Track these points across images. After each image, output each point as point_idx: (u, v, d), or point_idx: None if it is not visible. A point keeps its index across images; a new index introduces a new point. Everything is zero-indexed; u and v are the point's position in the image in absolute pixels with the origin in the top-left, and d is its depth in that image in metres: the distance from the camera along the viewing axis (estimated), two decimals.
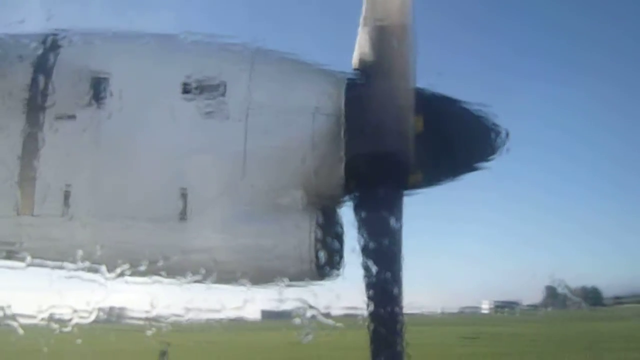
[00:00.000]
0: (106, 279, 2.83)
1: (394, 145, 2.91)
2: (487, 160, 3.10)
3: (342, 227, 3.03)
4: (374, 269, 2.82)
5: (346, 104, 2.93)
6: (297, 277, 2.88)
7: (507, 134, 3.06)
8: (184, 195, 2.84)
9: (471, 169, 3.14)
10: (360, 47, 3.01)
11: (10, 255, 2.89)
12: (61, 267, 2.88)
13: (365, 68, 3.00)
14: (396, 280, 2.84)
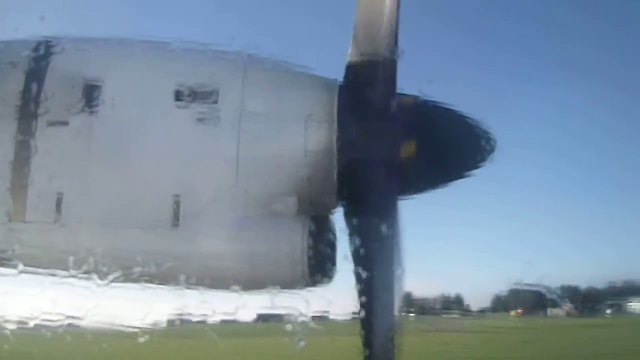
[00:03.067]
0: (99, 285, 2.82)
1: (386, 152, 2.93)
2: (477, 167, 3.13)
3: (334, 234, 3.04)
4: (367, 275, 2.82)
5: (339, 111, 2.95)
6: (289, 284, 2.89)
7: (496, 141, 3.09)
8: (176, 202, 2.84)
9: (463, 175, 3.16)
10: (352, 54, 3.03)
11: (2, 262, 2.88)
12: (54, 274, 2.88)
13: (357, 75, 3.02)
14: (390, 286, 2.85)
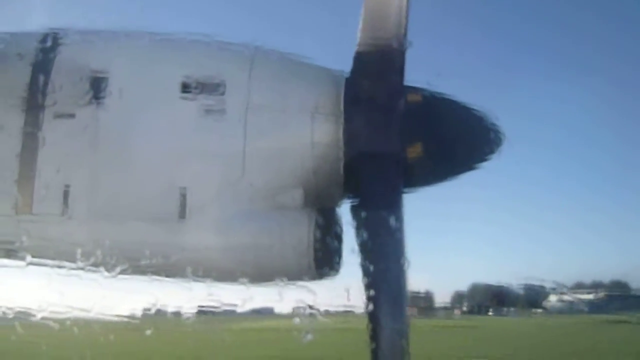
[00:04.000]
0: (105, 278, 2.83)
1: (393, 145, 2.92)
2: (485, 160, 3.11)
3: (341, 227, 3.04)
4: (374, 269, 2.82)
5: (345, 104, 2.93)
6: (295, 276, 2.88)
7: (505, 134, 3.08)
8: (183, 195, 2.84)
9: (470, 168, 3.15)
10: (360, 45, 3.01)
11: (9, 254, 2.90)
12: (61, 266, 2.89)
13: (364, 67, 3.00)
14: (398, 280, 2.84)
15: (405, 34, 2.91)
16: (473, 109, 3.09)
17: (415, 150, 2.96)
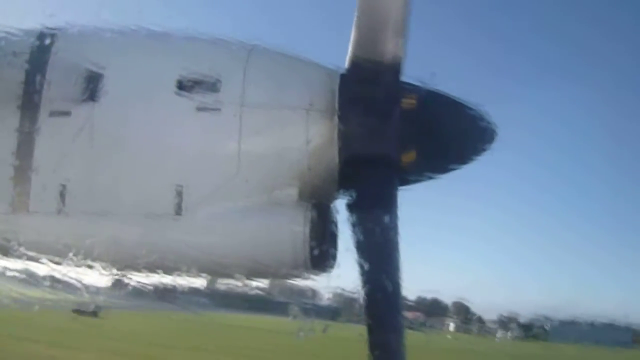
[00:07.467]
0: (102, 275, 2.85)
1: (387, 141, 2.93)
2: (478, 156, 3.12)
3: (336, 223, 3.04)
4: (369, 266, 2.83)
5: (340, 100, 2.94)
6: (291, 272, 2.90)
7: (497, 130, 3.08)
8: (179, 192, 2.85)
9: (463, 163, 3.15)
10: (355, 41, 3.00)
11: (6, 252, 2.90)
12: (57, 264, 2.90)
13: (359, 64, 3.00)
14: (393, 276, 2.86)
15: (403, 30, 2.88)
16: (467, 106, 3.09)
17: (409, 147, 2.96)
